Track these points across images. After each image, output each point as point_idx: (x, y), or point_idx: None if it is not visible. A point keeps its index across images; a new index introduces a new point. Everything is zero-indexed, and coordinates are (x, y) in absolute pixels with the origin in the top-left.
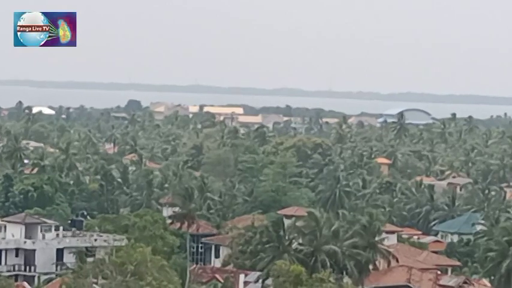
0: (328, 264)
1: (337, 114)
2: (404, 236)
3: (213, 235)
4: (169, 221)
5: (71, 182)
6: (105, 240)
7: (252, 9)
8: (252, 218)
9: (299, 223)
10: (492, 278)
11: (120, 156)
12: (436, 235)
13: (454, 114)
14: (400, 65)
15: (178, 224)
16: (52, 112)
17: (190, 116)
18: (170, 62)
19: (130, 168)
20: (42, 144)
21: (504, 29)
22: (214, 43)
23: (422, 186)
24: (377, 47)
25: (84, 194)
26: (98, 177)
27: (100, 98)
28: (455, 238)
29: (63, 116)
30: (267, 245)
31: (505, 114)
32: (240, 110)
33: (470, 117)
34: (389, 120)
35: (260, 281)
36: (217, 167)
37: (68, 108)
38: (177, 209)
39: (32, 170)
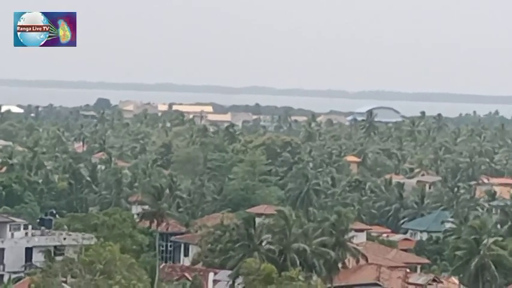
0: (298, 262)
1: (307, 113)
2: (373, 234)
3: (183, 233)
4: (138, 220)
5: (40, 181)
6: (74, 239)
7: (219, 4)
8: (222, 216)
9: (269, 221)
10: (461, 275)
11: (89, 155)
12: (405, 233)
13: (423, 113)
14: (369, 63)
15: (147, 223)
16: (21, 111)
17: (160, 114)
18: (139, 61)
19: (99, 166)
20: (10, 143)
21: (471, 27)
22: (183, 41)
23: (392, 184)
24: (346, 45)
25: (53, 192)
26: (67, 175)
27: (69, 96)
28: (425, 236)
29: (32, 115)
30: (237, 244)
31: (474, 112)
32: (210, 109)
33: (439, 115)
34: (359, 118)
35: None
36: (186, 166)
37: (37, 107)
38: (146, 207)
39: (1, 168)
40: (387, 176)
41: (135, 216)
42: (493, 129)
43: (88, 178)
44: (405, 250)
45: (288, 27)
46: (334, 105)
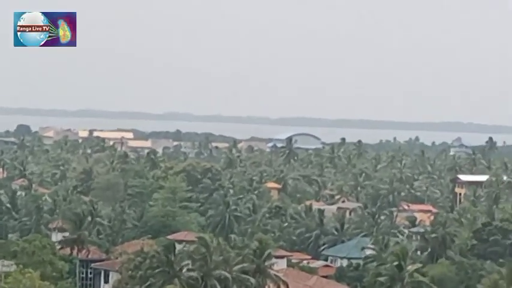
0: None
1: (227, 139)
2: (294, 260)
3: (103, 260)
4: (58, 246)
5: None
6: None
7: (138, 31)
8: (142, 243)
9: (189, 248)
10: None
11: (9, 181)
12: (325, 260)
13: (343, 139)
14: (290, 90)
15: (67, 249)
16: None
17: (80, 140)
18: (59, 87)
19: (19, 193)
20: None
21: (388, 55)
22: (103, 67)
23: (312, 210)
24: (265, 72)
25: None
26: None
27: None
28: (345, 262)
29: None
30: (157, 270)
31: (394, 138)
32: (130, 135)
33: (359, 141)
34: (279, 144)
35: None
36: (106, 192)
37: None
38: (66, 234)
39: None
40: (307, 203)
41: (56, 243)
42: (413, 155)
43: (8, 205)
44: (326, 277)
45: (205, 53)
46: (255, 132)
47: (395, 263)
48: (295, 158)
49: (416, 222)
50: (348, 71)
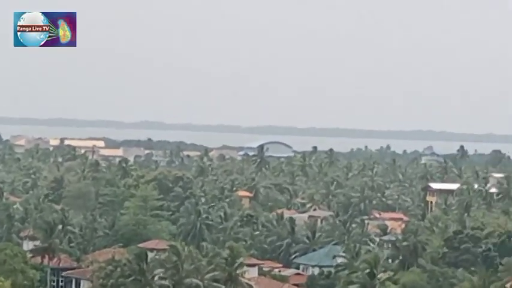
0: None
1: (199, 147)
2: (265, 269)
3: (74, 269)
4: (30, 255)
5: None
6: None
7: (107, 40)
8: (113, 251)
9: (161, 256)
10: None
11: None
12: (297, 268)
13: (315, 147)
14: (261, 98)
15: (39, 258)
16: None
17: (51, 149)
18: (32, 95)
19: None
20: None
21: (360, 66)
22: (73, 75)
23: (284, 219)
24: (236, 80)
25: None
26: None
27: None
28: (316, 271)
29: None
30: (129, 279)
31: (366, 147)
32: (101, 143)
33: (331, 150)
34: (251, 153)
35: None
36: (78, 200)
37: None
38: (38, 242)
39: None
40: (279, 211)
41: (27, 251)
42: (384, 164)
43: None
44: (297, 285)
45: (176, 61)
46: (227, 140)
47: (367, 271)
48: (267, 166)
49: (388, 231)
50: (319, 80)
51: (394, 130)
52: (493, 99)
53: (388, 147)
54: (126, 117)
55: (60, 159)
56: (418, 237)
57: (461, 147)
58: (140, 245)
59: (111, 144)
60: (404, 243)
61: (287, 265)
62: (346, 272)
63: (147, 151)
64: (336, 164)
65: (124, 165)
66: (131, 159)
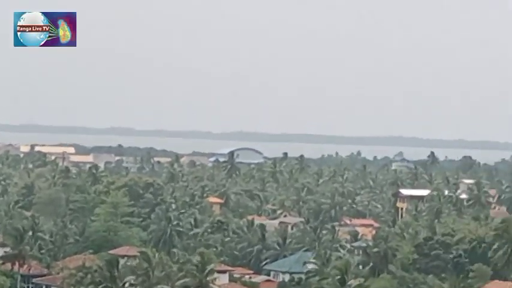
0: None
1: (170, 154)
2: (236, 275)
3: (44, 275)
4: (0, 262)
5: None
6: None
7: (79, 46)
8: (84, 258)
9: (131, 263)
10: None
11: None
12: (267, 274)
13: (285, 154)
14: (232, 104)
15: (9, 265)
16: None
17: (22, 155)
18: (2, 101)
19: None
20: None
21: (331, 72)
22: (43, 81)
23: (254, 225)
24: (208, 85)
25: None
26: None
27: None
28: (287, 277)
29: None
30: (100, 286)
31: (336, 153)
32: (72, 150)
33: (301, 156)
34: (221, 159)
35: None
36: (48, 207)
37: None
38: (8, 249)
39: None
40: (250, 217)
41: None
42: (354, 170)
43: None
44: None
45: (147, 67)
46: (197, 147)
47: (338, 278)
48: (237, 172)
49: (358, 237)
50: (289, 87)
51: (364, 136)
52: (464, 106)
53: (359, 153)
54: (97, 123)
55: (30, 166)
56: (389, 244)
57: (432, 153)
58: (111, 252)
59: (81, 150)
60: (375, 250)
61: (258, 272)
62: (317, 278)
63: (117, 157)
64: (307, 170)
65: (94, 171)
66: (101, 165)
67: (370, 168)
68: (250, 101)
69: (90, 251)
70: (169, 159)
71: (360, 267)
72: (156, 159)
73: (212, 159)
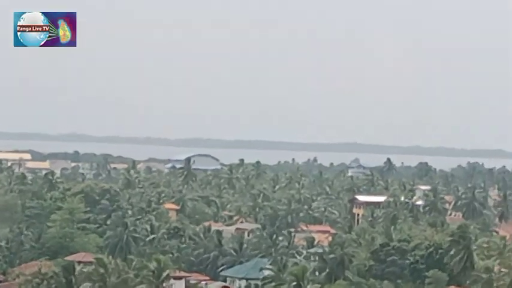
0: None
1: (126, 160)
2: (192, 281)
3: (0, 282)
4: None
5: None
6: None
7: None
8: (40, 264)
9: (88, 269)
10: None
11: None
12: (224, 280)
13: (242, 160)
14: (187, 111)
15: None
16: None
17: None
18: None
19: None
20: None
21: (285, 81)
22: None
23: (211, 231)
24: (163, 92)
25: None
26: None
27: None
28: (243, 283)
29: None
30: None
31: (293, 159)
32: (28, 156)
33: (258, 162)
34: (178, 165)
35: None
36: (4, 213)
37: None
38: None
39: None
40: (206, 224)
41: None
42: (311, 176)
43: None
44: None
45: (104, 74)
46: (154, 153)
47: (294, 284)
48: (194, 179)
49: (315, 243)
50: (244, 93)
51: (321, 143)
52: (419, 111)
53: (315, 159)
54: (53, 130)
55: None
56: (345, 250)
57: (388, 159)
58: (67, 258)
59: (37, 157)
60: (331, 256)
61: (214, 278)
62: (273, 284)
63: (73, 164)
64: (263, 176)
65: (51, 177)
66: (58, 171)
67: (327, 175)
68: (206, 108)
69: (46, 257)
70: (125, 166)
71: (316, 273)
72: (112, 165)
73: (168, 165)
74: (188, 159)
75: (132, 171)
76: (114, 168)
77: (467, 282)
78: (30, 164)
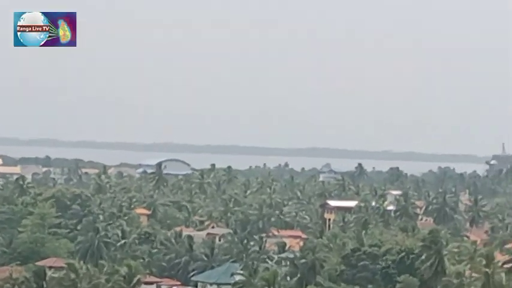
0: None
1: (97, 165)
2: (163, 286)
3: None
4: None
5: None
6: None
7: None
8: (10, 269)
9: (59, 275)
10: None
11: None
12: (195, 286)
13: (213, 165)
14: (159, 115)
15: None
16: None
17: None
18: None
19: None
20: None
21: (257, 84)
22: None
23: (182, 236)
24: (135, 96)
25: None
26: None
27: None
28: None
29: None
30: None
31: (264, 164)
32: None
33: (229, 167)
34: (149, 170)
35: None
36: None
37: None
38: None
39: None
40: (177, 229)
41: None
42: (282, 181)
43: None
44: None
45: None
46: (124, 158)
47: None
48: (165, 183)
49: (286, 248)
50: (215, 97)
51: (292, 148)
52: (392, 116)
53: (287, 164)
54: (25, 135)
55: None
56: (316, 255)
57: (359, 164)
58: (38, 263)
59: (8, 161)
60: (302, 261)
61: (185, 283)
62: None
63: (45, 169)
64: (234, 181)
65: (21, 182)
66: (29, 176)
67: (298, 180)
68: (177, 112)
69: (17, 262)
70: (96, 171)
71: (288, 278)
72: (83, 170)
73: (140, 170)
74: (159, 164)
75: (103, 176)
76: (86, 173)
77: (439, 287)
78: (1, 169)
